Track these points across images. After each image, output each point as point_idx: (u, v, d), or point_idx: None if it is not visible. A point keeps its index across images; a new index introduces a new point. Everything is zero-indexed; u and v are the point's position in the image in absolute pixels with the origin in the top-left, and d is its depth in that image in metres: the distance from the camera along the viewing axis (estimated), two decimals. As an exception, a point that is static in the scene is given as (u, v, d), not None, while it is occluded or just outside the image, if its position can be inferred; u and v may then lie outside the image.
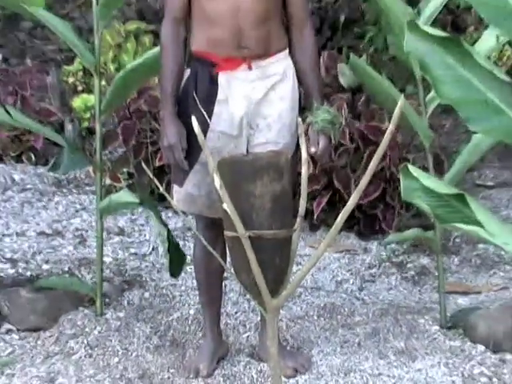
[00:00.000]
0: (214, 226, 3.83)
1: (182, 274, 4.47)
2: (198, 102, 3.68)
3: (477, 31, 6.02)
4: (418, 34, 2.61)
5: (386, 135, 3.40)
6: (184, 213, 4.04)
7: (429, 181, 2.74)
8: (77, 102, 6.25)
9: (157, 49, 3.97)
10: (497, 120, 2.59)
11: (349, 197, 3.52)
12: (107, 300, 4.49)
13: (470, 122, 2.61)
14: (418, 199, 2.69)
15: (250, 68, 3.72)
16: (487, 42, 4.08)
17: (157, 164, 5.25)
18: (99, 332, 4.29)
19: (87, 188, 5.86)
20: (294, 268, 3.75)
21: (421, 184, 2.70)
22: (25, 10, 4.10)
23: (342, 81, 3.87)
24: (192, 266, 4.15)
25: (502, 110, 2.58)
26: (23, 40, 8.16)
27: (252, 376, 3.97)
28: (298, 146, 3.71)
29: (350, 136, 5.16)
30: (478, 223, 2.62)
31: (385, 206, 5.12)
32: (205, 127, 3.62)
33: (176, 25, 3.75)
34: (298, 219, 3.62)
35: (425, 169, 4.15)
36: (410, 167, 2.75)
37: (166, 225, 4.13)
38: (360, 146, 5.17)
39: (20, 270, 4.82)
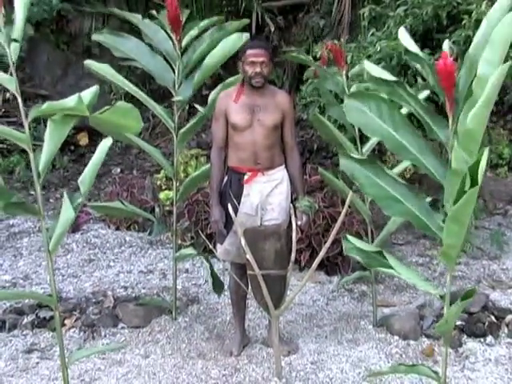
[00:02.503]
0: (241, 268, 3.86)
1: (222, 296, 4.49)
2: (232, 195, 3.75)
3: (393, 155, 6.07)
4: (350, 158, 2.69)
5: (340, 216, 3.46)
6: (223, 260, 4.09)
7: (359, 243, 2.78)
8: (161, 195, 6.28)
9: (208, 165, 4.02)
10: (399, 207, 2.64)
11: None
12: (179, 311, 4.49)
13: (384, 209, 2.67)
14: (353, 254, 2.72)
15: (263, 175, 3.76)
16: (403, 164, 4.16)
17: (208, 232, 5.27)
18: (174, 329, 4.31)
19: (167, 245, 5.87)
20: (288, 292, 3.81)
21: (355, 245, 2.74)
22: (130, 140, 4.13)
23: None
24: (228, 292, 4.17)
25: (402, 202, 2.63)
26: (132, 160, 8.25)
27: (263, 355, 3.99)
28: (290, 221, 3.76)
29: (323, 216, 5.17)
30: (391, 267, 2.66)
31: (342, 258, 5.12)
32: (235, 210, 3.69)
33: (219, 150, 3.81)
34: (290, 264, 3.68)
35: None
36: (348, 236, 2.80)
37: (211, 265, 4.17)
38: (328, 222, 5.18)
39: (129, 293, 4.84)
